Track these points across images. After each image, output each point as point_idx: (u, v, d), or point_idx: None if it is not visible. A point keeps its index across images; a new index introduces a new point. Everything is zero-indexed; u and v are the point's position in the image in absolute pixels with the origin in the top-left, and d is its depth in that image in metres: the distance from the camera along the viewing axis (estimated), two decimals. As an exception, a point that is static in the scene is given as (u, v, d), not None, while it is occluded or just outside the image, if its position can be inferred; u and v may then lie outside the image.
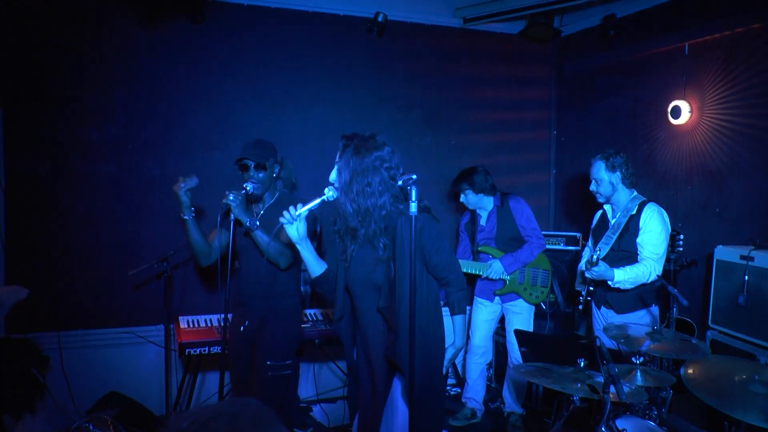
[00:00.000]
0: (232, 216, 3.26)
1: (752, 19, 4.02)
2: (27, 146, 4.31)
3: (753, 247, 3.72)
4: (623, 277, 3.69)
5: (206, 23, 4.65)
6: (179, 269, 4.60)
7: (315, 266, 2.92)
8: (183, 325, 4.17)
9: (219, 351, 3.89)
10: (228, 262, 3.28)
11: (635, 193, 3.95)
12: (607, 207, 4.05)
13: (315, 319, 4.43)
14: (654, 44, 4.77)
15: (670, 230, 3.84)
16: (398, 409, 2.86)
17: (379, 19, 5.04)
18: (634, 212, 3.85)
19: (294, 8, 4.93)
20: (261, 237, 3.29)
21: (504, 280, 4.60)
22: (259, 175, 3.39)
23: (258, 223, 3.29)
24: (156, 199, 4.62)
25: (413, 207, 2.46)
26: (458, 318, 2.94)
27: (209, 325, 4.20)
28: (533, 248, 4.56)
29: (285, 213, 2.71)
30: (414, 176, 2.55)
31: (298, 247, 2.83)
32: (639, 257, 3.79)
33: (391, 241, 2.75)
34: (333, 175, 2.82)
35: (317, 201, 2.74)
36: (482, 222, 4.74)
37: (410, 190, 2.45)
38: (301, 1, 4.93)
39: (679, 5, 4.55)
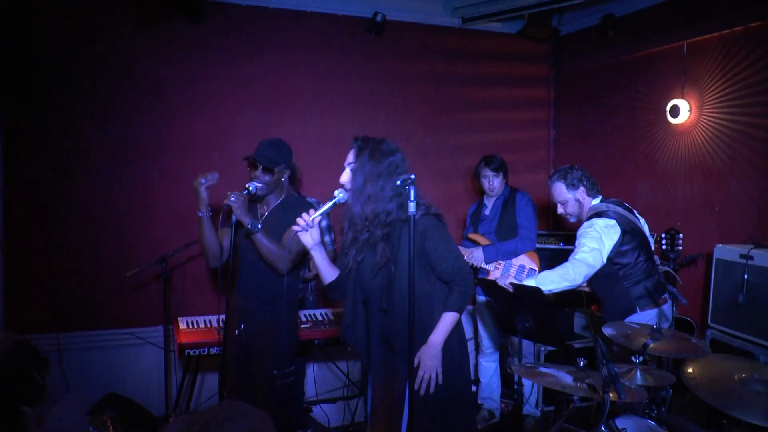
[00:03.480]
0: (233, 217, 3.16)
1: (750, 17, 4.02)
2: (25, 148, 4.31)
3: (752, 246, 3.71)
4: (533, 281, 3.44)
5: (204, 24, 4.64)
6: (178, 270, 4.60)
7: (328, 272, 2.85)
8: (182, 326, 4.16)
9: (218, 352, 3.88)
10: (229, 264, 3.20)
11: (598, 200, 3.76)
12: None
13: (314, 319, 4.43)
14: (652, 43, 4.77)
15: (608, 244, 3.53)
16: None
17: (378, 19, 5.04)
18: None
19: (292, 9, 4.93)
20: (261, 240, 3.20)
21: (486, 270, 4.61)
22: (266, 177, 3.28)
23: (260, 225, 3.20)
24: (154, 201, 4.63)
25: (412, 206, 2.46)
26: (446, 314, 2.76)
27: (209, 326, 4.18)
28: (518, 243, 4.51)
29: (299, 220, 2.64)
30: (412, 176, 2.55)
31: (313, 252, 2.75)
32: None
33: (391, 246, 2.71)
34: (344, 177, 2.76)
35: (329, 204, 2.69)
36: (486, 211, 4.76)
37: (408, 190, 2.45)
38: (299, 1, 4.93)
39: (678, 4, 4.55)
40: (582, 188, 3.73)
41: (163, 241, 4.51)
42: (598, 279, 3.71)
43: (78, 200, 4.45)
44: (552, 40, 5.79)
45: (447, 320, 2.75)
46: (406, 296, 2.59)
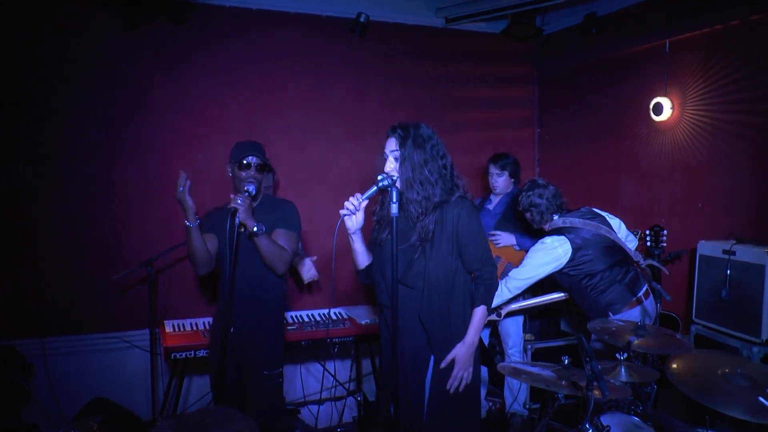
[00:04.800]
0: (236, 220, 3.12)
1: (730, 16, 4.06)
2: (8, 151, 4.27)
3: (735, 242, 3.75)
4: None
5: (188, 25, 4.62)
6: (164, 273, 4.58)
7: (363, 258, 2.96)
8: (168, 329, 4.15)
9: (206, 355, 3.87)
10: (234, 268, 3.14)
11: (555, 220, 3.89)
12: None
13: (301, 321, 4.42)
14: (635, 42, 4.80)
15: (552, 263, 3.73)
16: (425, 394, 2.87)
17: (362, 19, 5.04)
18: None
19: (276, 10, 4.91)
20: (265, 242, 3.22)
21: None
22: (259, 175, 3.32)
23: (264, 228, 3.21)
24: (139, 203, 4.60)
25: (394, 208, 2.47)
26: (477, 311, 2.85)
27: (195, 328, 4.17)
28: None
29: (346, 204, 2.69)
30: (395, 176, 2.58)
31: (353, 237, 2.84)
32: None
33: (435, 227, 2.79)
34: (389, 166, 2.81)
35: (374, 189, 2.70)
36: (489, 206, 4.76)
37: (391, 191, 2.46)
38: (283, 2, 4.92)
39: (660, 3, 4.59)
40: (545, 201, 3.91)
41: (148, 243, 4.48)
42: (571, 291, 3.93)
43: (62, 203, 4.41)
44: (536, 39, 5.81)
45: (479, 317, 2.86)
46: (438, 277, 2.77)
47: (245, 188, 3.25)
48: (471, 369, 2.85)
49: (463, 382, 2.82)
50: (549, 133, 5.89)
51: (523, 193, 3.96)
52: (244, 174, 3.29)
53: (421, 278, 2.79)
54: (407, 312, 2.81)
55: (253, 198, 3.31)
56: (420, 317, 2.80)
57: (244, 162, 3.29)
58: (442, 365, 2.81)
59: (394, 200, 2.46)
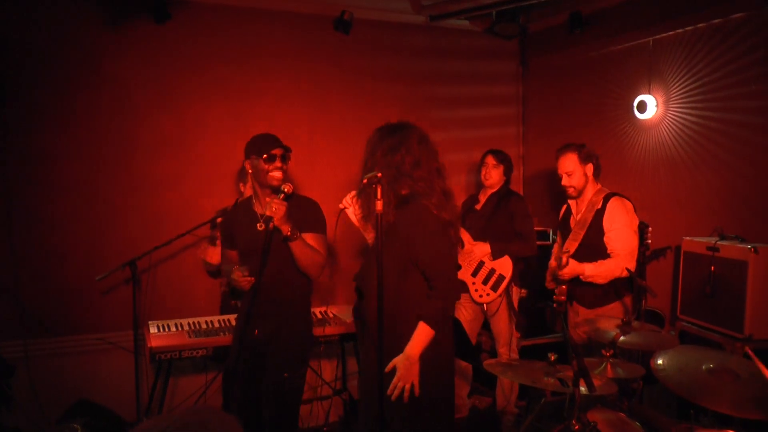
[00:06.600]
0: (271, 225, 2.98)
1: (712, 14, 4.09)
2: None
3: (718, 238, 3.77)
4: (595, 271, 3.68)
5: (170, 23, 4.57)
6: (147, 273, 4.53)
7: None
8: (153, 330, 4.11)
9: (191, 356, 3.83)
10: (260, 270, 3.01)
11: (599, 186, 3.94)
12: (571, 201, 4.04)
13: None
14: (619, 40, 4.82)
15: (636, 220, 3.77)
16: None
17: (345, 17, 5.02)
18: (599, 206, 3.82)
19: (259, 7, 4.89)
20: (298, 245, 3.10)
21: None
22: (286, 166, 3.18)
23: (299, 232, 3.11)
24: (122, 203, 4.56)
25: (379, 205, 2.45)
26: (420, 325, 2.67)
27: (179, 329, 4.13)
28: (522, 245, 4.44)
29: (344, 200, 2.90)
30: (379, 174, 2.55)
31: (360, 227, 2.98)
32: (611, 253, 3.75)
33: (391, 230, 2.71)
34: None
35: (361, 187, 2.66)
36: (477, 205, 4.66)
37: (375, 188, 2.44)
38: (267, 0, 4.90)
39: (643, 1, 4.61)
40: (591, 165, 3.87)
41: (131, 243, 4.43)
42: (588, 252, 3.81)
43: (43, 203, 4.36)
44: (520, 37, 5.82)
45: (421, 332, 2.67)
46: (387, 279, 2.57)
47: (282, 188, 3.06)
48: (416, 382, 2.66)
49: (406, 394, 2.64)
50: (533, 131, 5.91)
51: None
52: (269, 167, 3.14)
53: (370, 280, 2.72)
54: (366, 314, 2.81)
55: (287, 197, 3.10)
56: (366, 319, 2.77)
57: (269, 154, 3.14)
58: (386, 370, 2.65)
59: (378, 197, 2.44)
